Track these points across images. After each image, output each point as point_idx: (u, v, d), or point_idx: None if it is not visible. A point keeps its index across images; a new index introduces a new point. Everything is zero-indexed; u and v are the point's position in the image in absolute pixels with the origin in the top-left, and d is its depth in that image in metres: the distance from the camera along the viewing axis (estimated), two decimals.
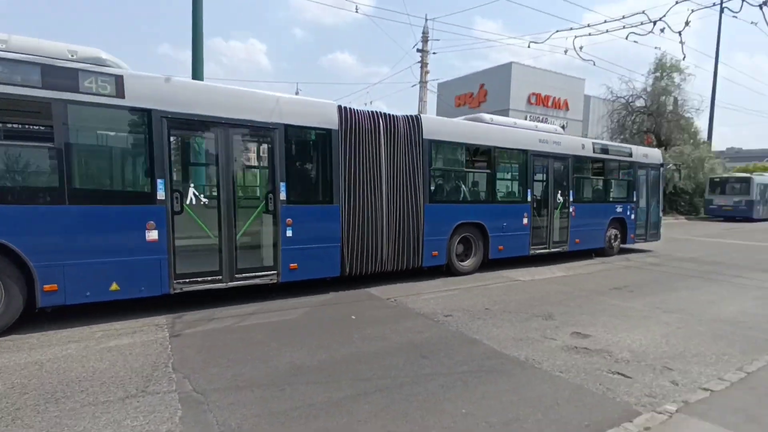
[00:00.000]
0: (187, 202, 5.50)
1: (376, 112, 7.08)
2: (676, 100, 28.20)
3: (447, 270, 8.25)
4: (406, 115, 7.41)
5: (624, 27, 14.15)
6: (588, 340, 5.01)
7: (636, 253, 11.88)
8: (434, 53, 20.96)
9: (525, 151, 9.05)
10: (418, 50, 20.77)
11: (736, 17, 11.06)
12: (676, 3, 10.57)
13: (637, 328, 5.48)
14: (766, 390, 3.67)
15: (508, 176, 9.19)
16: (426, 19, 20.88)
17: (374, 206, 6.95)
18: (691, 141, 27.57)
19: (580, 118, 51.36)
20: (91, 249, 4.94)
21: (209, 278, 5.69)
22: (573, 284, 7.94)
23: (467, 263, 8.47)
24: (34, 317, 5.22)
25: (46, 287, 4.73)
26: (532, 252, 9.34)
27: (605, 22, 19.33)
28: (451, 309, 6.20)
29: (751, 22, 30.08)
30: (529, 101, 43.76)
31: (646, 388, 3.84)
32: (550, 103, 46.18)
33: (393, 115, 7.23)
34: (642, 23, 13.68)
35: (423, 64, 20.78)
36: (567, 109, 48.09)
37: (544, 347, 4.78)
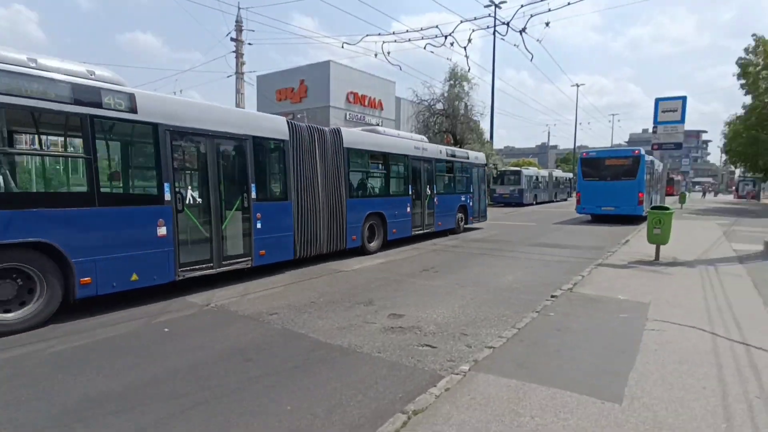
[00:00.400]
0: (187, 202, 6.49)
1: (312, 126, 8.82)
2: (466, 105, 32.86)
3: (361, 250, 10.25)
4: (332, 128, 9.31)
5: (423, 38, 15.87)
6: (402, 320, 5.52)
7: (440, 237, 13.55)
8: (250, 44, 20.13)
9: (406, 156, 11.57)
10: (232, 39, 19.69)
11: (503, 39, 13.29)
12: (461, 22, 12.20)
13: (441, 303, 6.27)
14: (530, 341, 4.60)
15: (396, 175, 11.48)
16: (239, 8, 19.90)
17: (314, 201, 8.80)
18: (479, 140, 32.53)
19: (393, 117, 55.81)
20: (117, 245, 5.65)
21: (204, 266, 6.74)
22: (390, 270, 8.64)
23: (373, 244, 10.60)
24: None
25: (83, 281, 5.36)
26: (414, 233, 11.97)
27: (407, 31, 21.21)
28: (276, 307, 6.11)
29: (514, 45, 36.49)
30: (347, 99, 45.64)
31: (447, 354, 4.42)
32: (366, 103, 48.97)
33: (323, 129, 9.07)
34: (436, 36, 15.56)
35: (238, 55, 19.81)
36: (381, 108, 51.73)
37: (365, 332, 5.09)
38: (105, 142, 5.78)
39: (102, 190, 5.57)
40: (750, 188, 47.80)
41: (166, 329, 5.24)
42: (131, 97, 5.76)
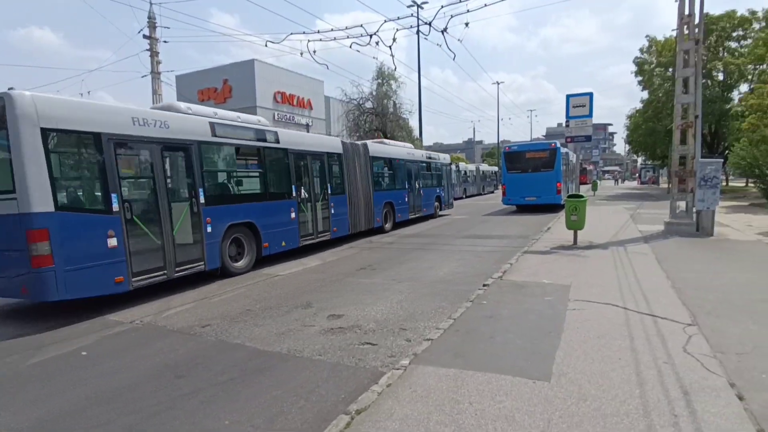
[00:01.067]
0: (302, 197, 10.08)
1: (354, 142, 12.30)
2: (395, 103, 33.34)
3: (379, 230, 13.72)
4: (362, 142, 12.73)
5: (348, 37, 15.85)
6: (342, 320, 5.49)
7: (377, 235, 13.64)
8: (165, 41, 18.93)
9: (403, 159, 15.15)
10: (145, 36, 18.41)
11: (426, 39, 13.61)
12: (385, 22, 12.30)
13: (380, 300, 6.31)
14: (465, 330, 4.77)
15: (399, 174, 14.87)
16: (151, 3, 18.64)
17: (357, 194, 12.30)
18: (409, 137, 33.14)
19: (323, 117, 55.30)
20: (276, 223, 9.08)
21: (310, 237, 10.39)
22: (327, 271, 8.56)
23: (387, 225, 13.98)
24: None
25: (265, 245, 8.82)
26: (410, 216, 15.37)
27: (332, 30, 21.06)
28: (208, 318, 5.83)
29: (437, 44, 36.97)
30: (275, 99, 44.50)
31: (388, 351, 4.47)
32: (295, 102, 48.04)
33: (357, 143, 12.43)
34: (361, 35, 15.61)
35: (153, 53, 18.56)
36: (311, 108, 51.03)
37: (305, 335, 5.01)
38: (265, 162, 9.08)
39: (268, 190, 9.08)
40: (651, 174, 53.08)
41: (83, 353, 4.81)
42: (276, 133, 9.40)
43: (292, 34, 15.61)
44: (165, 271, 6.85)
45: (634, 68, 32.22)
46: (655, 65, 30.60)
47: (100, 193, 6.01)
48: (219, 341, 4.95)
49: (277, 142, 9.33)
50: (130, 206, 6.30)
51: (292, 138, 9.82)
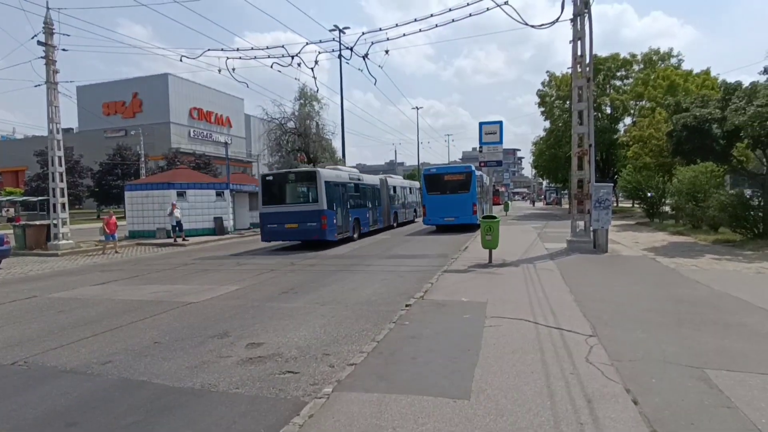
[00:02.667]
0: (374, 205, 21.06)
1: (382, 178, 22.41)
2: (317, 124, 33.26)
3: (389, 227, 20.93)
4: (384, 176, 22.11)
5: (269, 56, 15.62)
6: (261, 348, 5.24)
7: (300, 256, 13.34)
8: (64, 50, 17.25)
9: (403, 186, 24.76)
10: (39, 43, 16.69)
11: (348, 63, 13.81)
12: (307, 44, 12.28)
13: (302, 325, 6.13)
14: (388, 351, 4.77)
15: (401, 195, 24.13)
16: (48, 8, 17.01)
17: (387, 208, 22.57)
18: (332, 158, 33.16)
19: (243, 135, 53.70)
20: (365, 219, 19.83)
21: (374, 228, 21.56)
22: (246, 296, 8.17)
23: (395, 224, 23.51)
24: None
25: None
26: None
27: (252, 48, 20.56)
28: (110, 353, 5.27)
29: (359, 69, 37.84)
30: (191, 115, 42.38)
31: (311, 378, 4.32)
32: (213, 119, 46.14)
33: (384, 178, 22.39)
34: (283, 56, 15.48)
35: (49, 61, 16.85)
36: (230, 126, 49.34)
37: (220, 367, 4.69)
38: (363, 192, 19.20)
39: (367, 204, 19.48)
40: (554, 196, 57.98)
41: None
42: (360, 176, 19.52)
43: (209, 50, 15.07)
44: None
45: (537, 99, 35.34)
46: (555, 98, 33.84)
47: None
48: (122, 380, 4.48)
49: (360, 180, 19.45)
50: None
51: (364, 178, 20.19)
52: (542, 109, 34.91)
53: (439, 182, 19.86)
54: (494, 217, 10.48)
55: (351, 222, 17.82)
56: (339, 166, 22.07)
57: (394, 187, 25.17)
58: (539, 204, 63.33)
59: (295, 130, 34.33)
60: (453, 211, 19.33)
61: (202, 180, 23.67)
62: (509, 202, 50.49)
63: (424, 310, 6.39)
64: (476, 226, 19.46)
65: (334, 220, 16.27)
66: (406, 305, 6.68)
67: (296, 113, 33.57)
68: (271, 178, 16.56)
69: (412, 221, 23.82)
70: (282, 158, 34.34)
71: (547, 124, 35.91)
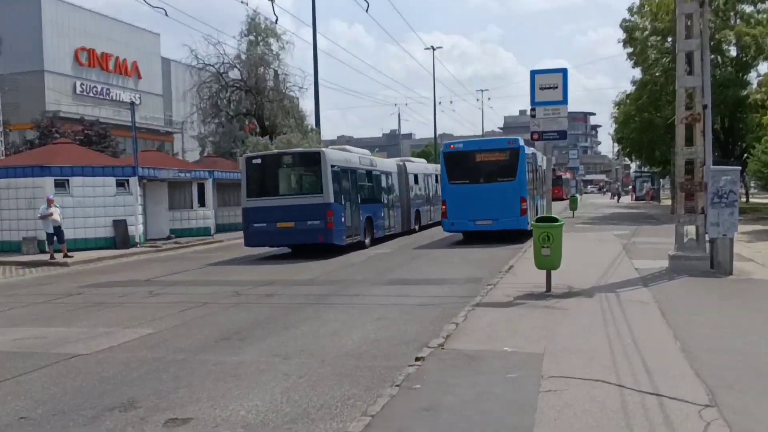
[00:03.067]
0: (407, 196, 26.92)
1: (399, 164, 26.98)
2: (277, 74, 33.42)
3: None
4: (402, 161, 28.10)
5: None
6: (188, 427, 5.23)
7: (247, 283, 13.35)
8: None
9: (423, 173, 29.08)
10: None
11: None
12: None
13: (252, 389, 6.13)
14: None
15: (423, 185, 28.48)
16: None
17: (406, 201, 26.94)
18: (299, 127, 33.26)
19: (160, 91, 53.85)
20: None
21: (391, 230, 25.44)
22: (165, 344, 8.17)
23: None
24: None
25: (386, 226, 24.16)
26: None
27: None
28: None
29: None
30: (78, 60, 42.40)
31: None
32: (112, 66, 46.21)
33: (401, 164, 27.05)
34: None
35: None
36: (139, 77, 49.38)
37: None
38: (377, 182, 22.81)
39: (381, 198, 22.88)
40: (648, 186, 58.09)
41: None
42: (374, 160, 23.93)
43: None
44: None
45: (621, 35, 35.39)
46: (650, 32, 33.87)
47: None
48: None
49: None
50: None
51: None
52: (629, 49, 35.02)
53: (467, 164, 19.84)
54: (555, 220, 10.51)
55: (362, 222, 20.25)
56: (347, 147, 24.52)
57: (416, 176, 27.35)
58: (625, 199, 63.62)
59: (242, 83, 34.47)
60: (489, 209, 19.12)
61: (94, 162, 23.79)
62: (578, 195, 50.71)
63: (446, 366, 6.39)
64: (525, 234, 19.49)
65: (342, 218, 18.27)
66: (417, 358, 6.68)
67: (243, 56, 33.75)
68: (258, 161, 18.94)
69: (440, 223, 24.66)
70: (220, 127, 34.51)
71: (637, 73, 36.08)
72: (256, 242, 18.57)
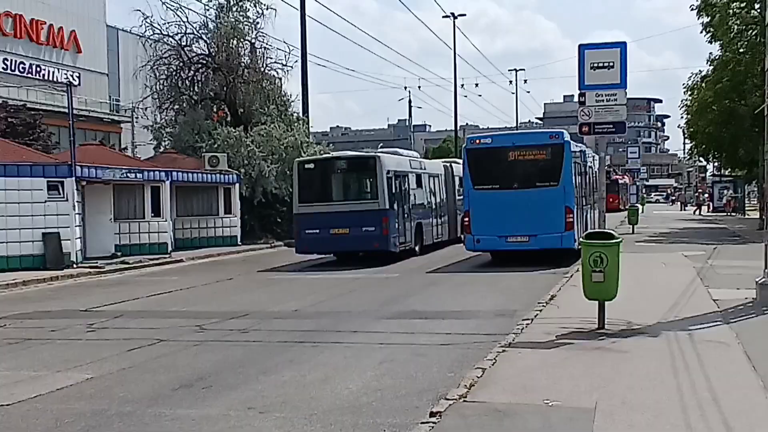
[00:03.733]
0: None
1: (445, 164, 32.61)
2: (254, 47, 33.48)
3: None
4: (450, 163, 32.35)
5: None
6: None
7: (215, 315, 13.33)
8: None
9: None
10: None
11: None
12: None
13: None
14: None
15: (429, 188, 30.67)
16: None
17: (451, 200, 32.14)
18: (282, 117, 33.28)
19: (105, 69, 54.12)
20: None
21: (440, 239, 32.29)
22: (108, 392, 8.16)
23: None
24: None
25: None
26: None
27: None
28: None
29: None
30: (0, 29, 42.67)
31: None
32: (44, 37, 46.49)
33: (448, 165, 31.95)
34: None
35: None
36: (78, 50, 49.60)
37: None
38: (426, 185, 27.98)
39: (430, 201, 28.22)
40: (729, 194, 57.78)
41: None
42: (423, 162, 30.76)
43: None
44: None
45: (694, 0, 35.22)
46: None
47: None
48: None
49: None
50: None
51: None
52: (705, 18, 34.90)
53: (496, 164, 20.01)
54: (610, 236, 10.47)
55: (413, 228, 25.19)
56: (398, 149, 31.30)
57: (461, 179, 28.95)
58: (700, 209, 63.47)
59: (209, 60, 34.57)
60: (524, 223, 19.15)
61: (18, 157, 23.71)
62: (639, 205, 50.56)
63: (469, 423, 6.37)
64: (572, 254, 19.39)
65: (396, 224, 23.13)
66: (432, 413, 6.66)
67: (211, 25, 33.89)
68: (312, 166, 24.34)
69: None
70: (181, 114, 34.50)
71: (716, 49, 35.99)
72: (308, 249, 23.84)
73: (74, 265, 22.22)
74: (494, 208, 19.43)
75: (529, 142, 20.27)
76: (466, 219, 20.52)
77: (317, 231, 22.16)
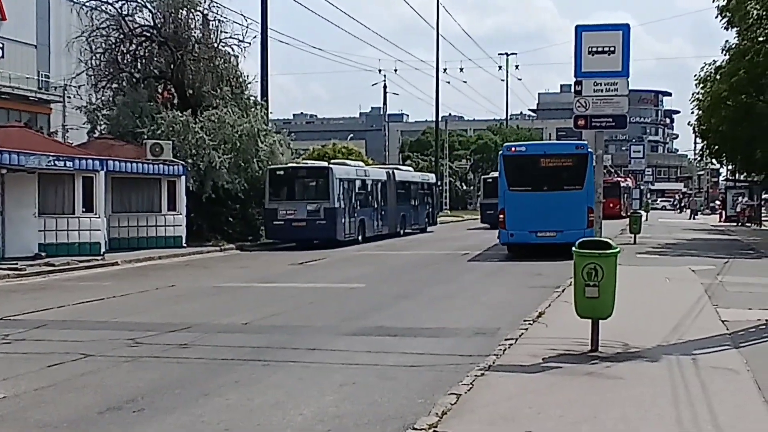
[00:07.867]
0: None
1: (425, 175, 60.27)
2: (206, 19, 33.34)
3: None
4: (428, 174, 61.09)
5: None
6: None
7: (152, 327, 13.24)
8: None
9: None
10: None
11: None
12: None
13: None
14: None
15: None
16: None
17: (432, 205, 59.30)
18: (237, 100, 33.14)
19: (33, 39, 53.57)
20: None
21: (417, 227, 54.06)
22: (23, 415, 8.08)
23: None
24: None
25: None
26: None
27: None
28: None
29: None
30: None
31: None
32: None
33: (430, 175, 61.78)
34: None
35: None
36: (2, 17, 49.08)
37: None
38: (367, 186, 41.97)
39: (372, 201, 42.53)
40: (746, 202, 58.21)
41: None
42: (390, 172, 48.15)
43: None
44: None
45: None
46: None
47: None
48: None
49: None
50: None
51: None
52: (720, 2, 35.23)
53: (529, 169, 25.12)
54: (606, 246, 10.51)
55: (357, 223, 36.63)
56: (346, 161, 45.71)
57: (402, 183, 46.59)
58: (712, 218, 63.97)
59: (154, 33, 34.39)
60: (553, 220, 24.47)
61: None
62: (644, 211, 50.90)
63: None
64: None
65: (343, 219, 34.15)
66: None
67: None
68: (281, 173, 35.02)
69: (424, 230, 41.99)
70: (120, 94, 34.20)
71: (732, 36, 36.40)
72: (275, 237, 34.96)
73: None
74: (526, 206, 25.00)
75: (559, 152, 25.95)
76: (501, 216, 25.98)
77: (282, 222, 33.39)
